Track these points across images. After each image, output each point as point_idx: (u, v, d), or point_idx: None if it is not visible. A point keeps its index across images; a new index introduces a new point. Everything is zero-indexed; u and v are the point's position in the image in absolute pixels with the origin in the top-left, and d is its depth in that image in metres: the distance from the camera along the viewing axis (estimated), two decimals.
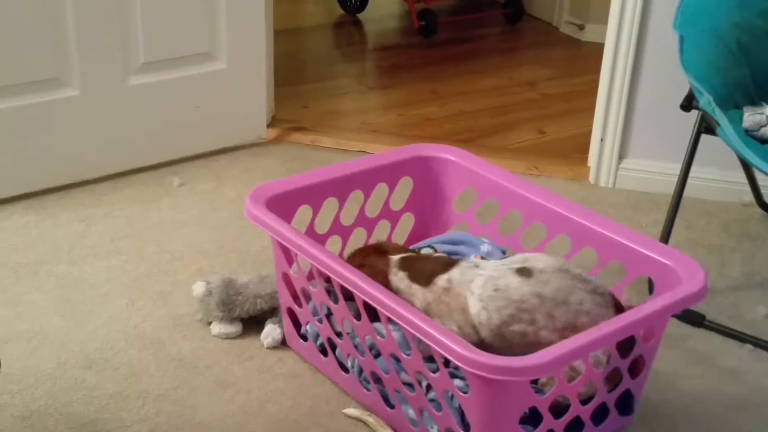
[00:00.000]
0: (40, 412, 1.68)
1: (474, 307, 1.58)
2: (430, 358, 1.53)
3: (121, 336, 1.89)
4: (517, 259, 1.62)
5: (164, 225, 2.30)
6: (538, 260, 1.60)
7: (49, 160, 2.40)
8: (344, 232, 1.95)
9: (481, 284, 1.58)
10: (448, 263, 1.67)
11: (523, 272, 1.57)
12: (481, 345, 1.52)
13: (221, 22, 2.53)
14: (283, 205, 1.79)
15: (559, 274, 1.56)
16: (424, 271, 1.67)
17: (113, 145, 2.48)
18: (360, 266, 1.65)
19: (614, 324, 1.47)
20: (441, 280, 1.63)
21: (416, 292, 1.66)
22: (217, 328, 1.88)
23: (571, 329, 1.51)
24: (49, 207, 2.35)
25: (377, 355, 1.65)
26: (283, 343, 1.86)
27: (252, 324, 1.94)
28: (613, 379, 1.55)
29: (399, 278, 1.69)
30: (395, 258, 1.73)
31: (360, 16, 4.07)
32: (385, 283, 1.65)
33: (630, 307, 1.56)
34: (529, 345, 1.52)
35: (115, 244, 2.21)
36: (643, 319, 1.50)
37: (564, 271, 1.57)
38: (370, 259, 1.74)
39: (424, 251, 1.91)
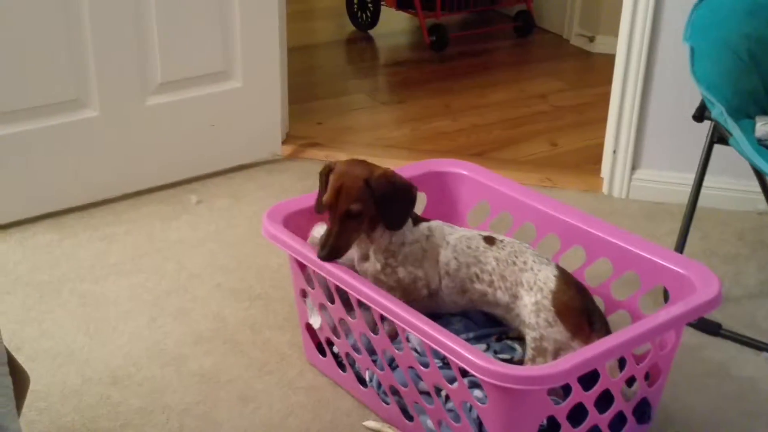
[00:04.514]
0: (67, 428, 1.70)
1: (445, 256, 1.72)
2: (446, 365, 1.55)
3: (144, 353, 1.92)
4: (483, 231, 1.79)
5: (183, 242, 2.34)
6: (499, 234, 1.78)
7: (70, 179, 2.44)
8: None
9: (456, 238, 1.74)
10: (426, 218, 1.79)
11: (488, 240, 1.74)
12: (435, 295, 1.72)
13: (236, 41, 2.57)
14: (299, 222, 1.81)
15: (514, 244, 1.73)
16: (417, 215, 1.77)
17: (132, 164, 2.52)
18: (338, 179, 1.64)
19: (630, 332, 1.48)
20: (423, 226, 1.74)
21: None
22: None
23: (516, 285, 1.67)
24: (70, 226, 2.40)
25: (395, 368, 1.67)
26: None
27: (272, 338, 1.96)
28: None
29: None
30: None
31: (371, 32, 4.11)
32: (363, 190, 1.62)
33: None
34: (489, 304, 1.72)
35: (135, 262, 2.25)
36: (658, 327, 1.52)
37: (518, 242, 1.74)
38: (349, 168, 1.66)
39: None
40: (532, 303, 1.63)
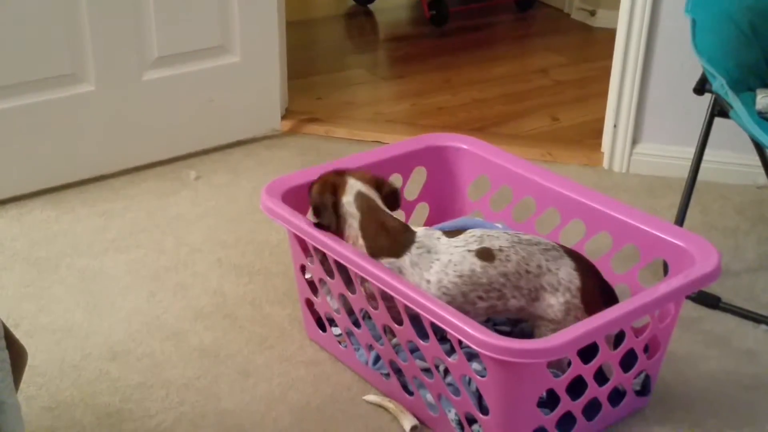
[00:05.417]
0: (66, 402, 1.71)
1: (430, 294, 1.57)
2: (443, 337, 1.55)
3: (143, 327, 1.92)
4: (471, 239, 1.62)
5: (182, 218, 2.33)
6: (493, 238, 1.61)
7: (66, 155, 2.43)
8: None
9: (439, 270, 1.59)
10: (400, 241, 1.63)
11: (485, 255, 1.59)
12: None
13: (234, 15, 2.55)
14: (298, 197, 1.81)
15: (515, 247, 1.60)
16: (378, 241, 1.63)
17: (130, 140, 2.51)
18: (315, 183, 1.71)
19: (629, 305, 1.48)
20: (390, 265, 1.61)
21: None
22: None
23: (536, 290, 1.59)
24: (68, 202, 2.39)
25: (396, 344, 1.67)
26: None
27: (272, 313, 1.96)
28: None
29: (350, 214, 1.66)
30: (354, 188, 1.68)
31: (371, 6, 4.08)
32: (335, 202, 1.66)
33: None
34: (497, 313, 1.63)
35: (134, 237, 2.24)
36: (657, 300, 1.51)
37: (518, 242, 1.61)
38: (326, 176, 1.73)
39: None
40: (561, 303, 1.57)
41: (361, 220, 1.66)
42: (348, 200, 1.68)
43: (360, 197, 1.68)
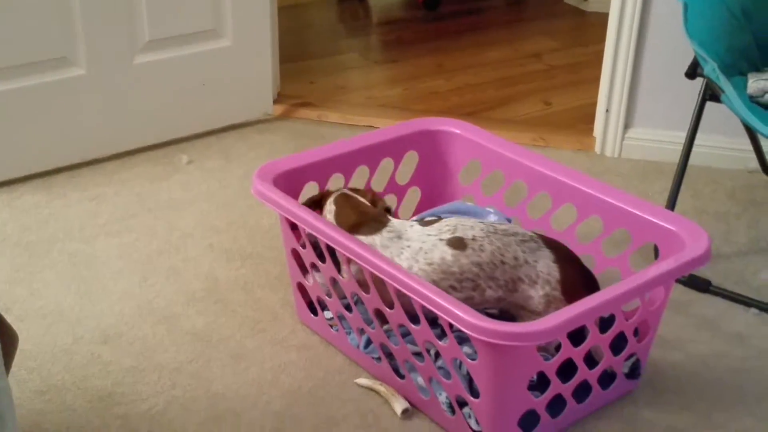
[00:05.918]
0: (57, 386, 1.71)
1: None
2: (434, 322, 1.55)
3: (135, 312, 1.92)
4: (444, 228, 1.62)
5: (174, 202, 2.33)
6: (467, 228, 1.61)
7: (58, 139, 2.42)
8: None
9: (409, 257, 1.60)
10: (373, 222, 1.66)
11: (456, 244, 1.59)
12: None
13: None
14: (290, 181, 1.81)
15: (490, 237, 1.59)
16: (348, 220, 1.70)
17: (121, 124, 2.50)
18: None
19: (619, 289, 1.49)
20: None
21: None
22: None
23: (513, 282, 1.58)
24: (59, 186, 2.38)
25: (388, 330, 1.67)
26: None
27: (264, 297, 1.97)
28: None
29: (328, 210, 1.74)
30: (337, 192, 1.78)
31: None
32: (319, 212, 1.75)
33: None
34: (474, 305, 1.56)
35: (126, 221, 2.24)
36: (647, 283, 1.52)
37: (493, 232, 1.60)
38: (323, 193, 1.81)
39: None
40: (541, 296, 1.58)
41: (336, 211, 1.72)
42: (330, 200, 1.75)
43: (341, 196, 1.75)
